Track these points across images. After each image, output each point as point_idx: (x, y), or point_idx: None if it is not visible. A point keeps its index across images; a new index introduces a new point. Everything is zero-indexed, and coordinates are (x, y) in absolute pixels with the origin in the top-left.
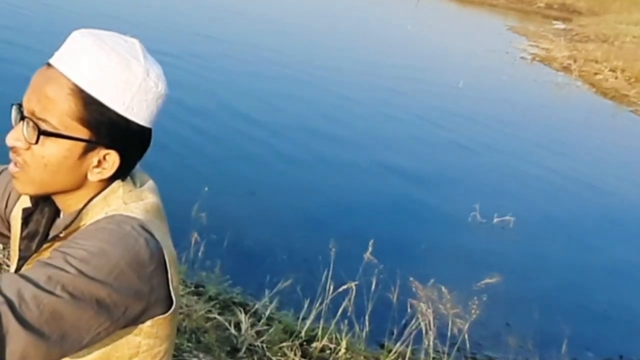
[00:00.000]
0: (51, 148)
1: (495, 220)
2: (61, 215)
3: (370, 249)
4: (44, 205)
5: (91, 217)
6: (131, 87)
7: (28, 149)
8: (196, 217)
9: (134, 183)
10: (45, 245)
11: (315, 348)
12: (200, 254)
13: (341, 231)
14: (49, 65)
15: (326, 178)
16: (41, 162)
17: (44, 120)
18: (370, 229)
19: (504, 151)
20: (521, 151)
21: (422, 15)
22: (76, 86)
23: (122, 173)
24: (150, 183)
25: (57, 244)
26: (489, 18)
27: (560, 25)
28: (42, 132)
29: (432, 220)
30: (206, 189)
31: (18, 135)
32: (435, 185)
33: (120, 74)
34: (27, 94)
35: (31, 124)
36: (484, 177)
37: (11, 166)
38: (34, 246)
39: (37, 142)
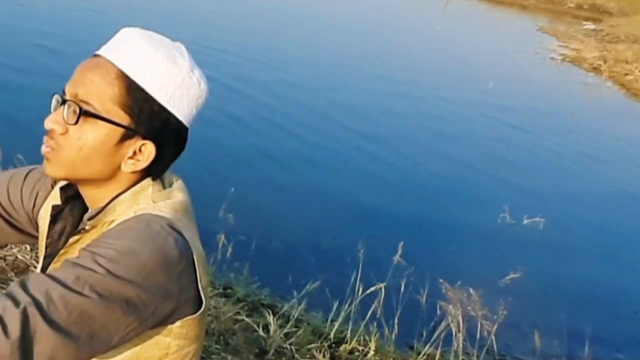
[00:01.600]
0: (89, 130)
1: (525, 221)
2: (88, 211)
3: (399, 250)
4: (73, 203)
5: (119, 213)
6: (175, 79)
7: (64, 133)
8: (224, 218)
9: (163, 183)
10: (71, 240)
11: (344, 350)
12: (228, 255)
13: (370, 232)
14: (95, 55)
15: (355, 179)
16: (76, 145)
17: (86, 103)
18: (399, 231)
19: (534, 152)
20: (551, 152)
21: (451, 15)
22: (122, 72)
23: (155, 170)
24: (179, 183)
25: (83, 240)
26: (519, 18)
27: (590, 25)
28: (83, 112)
29: (462, 222)
30: (233, 189)
31: (57, 119)
32: (465, 186)
33: (165, 65)
34: (70, 80)
35: (72, 106)
36: (514, 178)
37: (43, 147)
38: (61, 244)
39: (77, 122)
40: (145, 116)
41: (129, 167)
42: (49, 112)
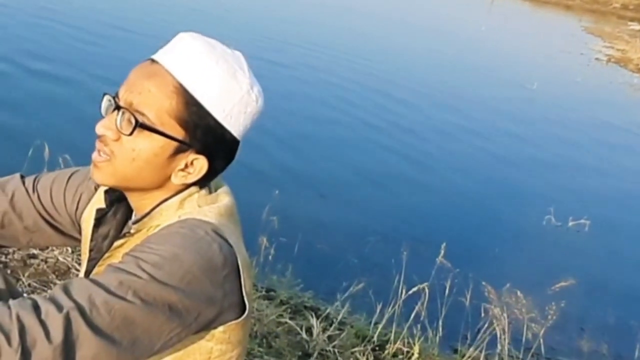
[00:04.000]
0: (143, 142)
1: (571, 223)
2: (133, 215)
3: (442, 252)
4: (117, 206)
5: (165, 218)
6: (234, 97)
7: (117, 139)
8: (267, 221)
9: (209, 188)
10: (116, 244)
11: (388, 353)
12: (271, 257)
13: (413, 234)
14: (152, 61)
15: (398, 181)
16: (129, 156)
17: (141, 113)
18: (443, 232)
19: (579, 153)
20: (596, 153)
21: (496, 16)
22: (181, 85)
23: (203, 181)
24: (225, 187)
25: (128, 244)
26: (563, 19)
27: (636, 26)
28: (139, 125)
29: (506, 223)
30: (277, 192)
31: (110, 125)
32: (510, 187)
33: (226, 81)
34: (125, 85)
35: (127, 115)
36: (559, 180)
37: (95, 154)
38: (105, 247)
39: (131, 133)
40: (201, 131)
41: (179, 179)
42: (93, 113)
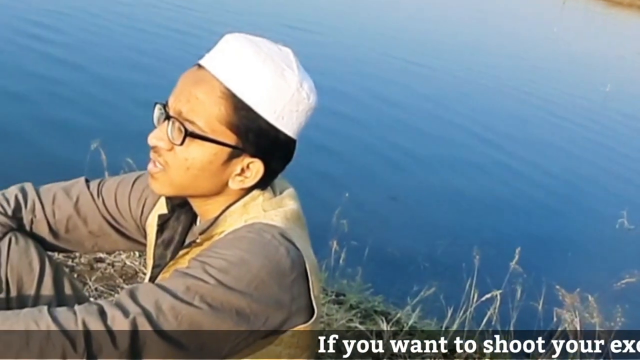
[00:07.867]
0: (196, 151)
1: None
2: (198, 221)
3: (517, 256)
4: (180, 212)
5: (230, 224)
6: (284, 96)
7: (170, 149)
8: (337, 224)
9: (274, 191)
10: (181, 252)
11: (459, 358)
12: (341, 261)
13: (485, 238)
14: (199, 66)
15: (470, 183)
16: (184, 165)
17: (191, 122)
18: (515, 236)
19: None
20: None
21: (568, 16)
22: (228, 90)
23: (264, 183)
24: (290, 190)
25: (193, 251)
26: (637, 19)
27: None
28: (189, 134)
29: (579, 227)
30: (347, 195)
31: (162, 135)
32: (582, 190)
33: (274, 82)
34: (174, 93)
35: (177, 124)
36: (632, 183)
37: (150, 165)
38: (169, 254)
39: (182, 143)
40: (253, 135)
41: (237, 184)
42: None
